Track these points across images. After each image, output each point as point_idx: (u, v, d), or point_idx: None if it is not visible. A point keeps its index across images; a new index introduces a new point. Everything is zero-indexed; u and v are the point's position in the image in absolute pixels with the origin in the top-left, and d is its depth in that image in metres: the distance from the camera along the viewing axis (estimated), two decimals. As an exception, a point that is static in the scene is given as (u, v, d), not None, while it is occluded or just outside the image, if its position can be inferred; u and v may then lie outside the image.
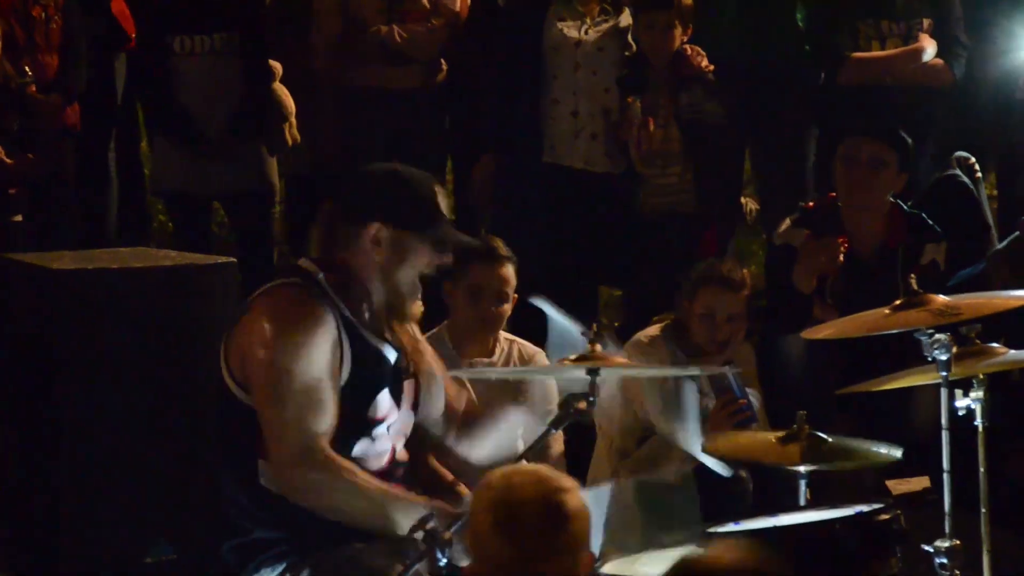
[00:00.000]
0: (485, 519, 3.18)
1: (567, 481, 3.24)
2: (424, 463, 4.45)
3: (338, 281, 4.21)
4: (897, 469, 5.58)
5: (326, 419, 4.11)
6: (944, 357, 4.28)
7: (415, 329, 4.40)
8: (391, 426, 4.27)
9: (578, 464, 5.48)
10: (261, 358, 4.12)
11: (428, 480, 4.41)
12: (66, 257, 5.32)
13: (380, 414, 4.23)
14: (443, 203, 4.32)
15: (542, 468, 3.42)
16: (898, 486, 5.70)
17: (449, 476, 4.47)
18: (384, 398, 4.24)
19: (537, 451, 4.11)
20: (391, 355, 4.26)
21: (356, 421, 4.18)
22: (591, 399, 3.97)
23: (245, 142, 7.18)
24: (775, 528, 4.12)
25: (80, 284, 5.03)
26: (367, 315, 4.25)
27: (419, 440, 4.41)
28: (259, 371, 4.13)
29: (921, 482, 5.35)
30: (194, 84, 7.12)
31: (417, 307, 4.31)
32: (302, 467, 4.08)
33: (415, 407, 4.36)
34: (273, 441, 4.11)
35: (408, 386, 4.32)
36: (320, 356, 4.11)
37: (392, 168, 4.37)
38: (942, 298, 4.39)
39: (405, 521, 4.00)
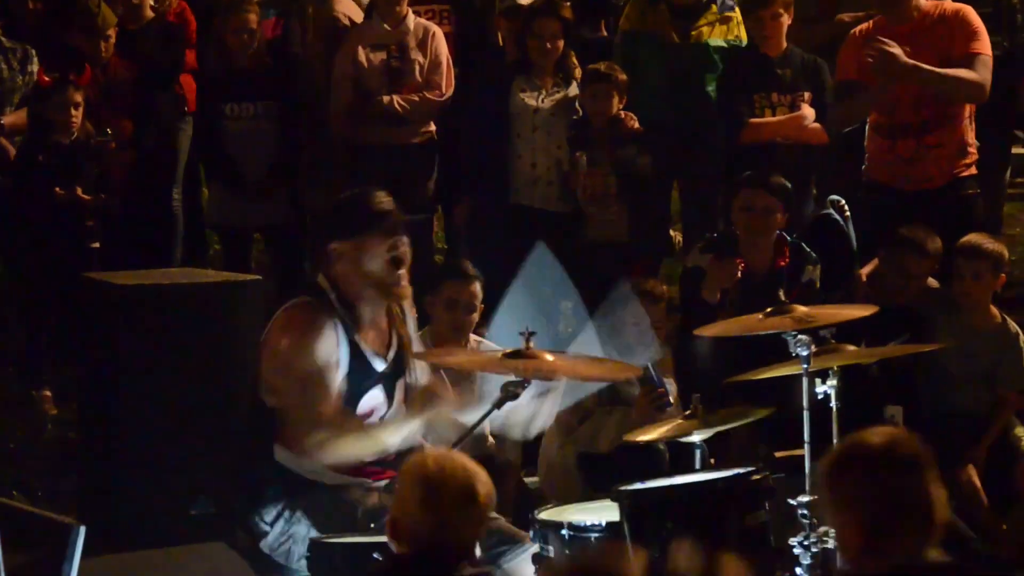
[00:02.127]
0: (413, 494, 3.20)
1: (477, 468, 3.27)
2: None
3: (341, 297, 4.22)
4: (784, 442, 5.65)
5: (328, 398, 4.12)
6: (804, 353, 4.34)
7: (406, 308, 4.36)
8: (382, 418, 4.26)
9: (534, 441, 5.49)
10: (280, 365, 4.16)
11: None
12: (128, 275, 5.36)
13: (366, 410, 4.22)
14: (382, 200, 4.20)
15: (458, 455, 3.41)
16: (783, 455, 5.73)
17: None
18: (371, 397, 4.22)
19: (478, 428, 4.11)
20: (379, 365, 4.24)
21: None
22: (525, 384, 3.96)
23: (279, 186, 7.21)
24: (671, 485, 4.15)
25: (138, 296, 5.07)
26: (365, 326, 4.23)
27: None
28: (278, 377, 4.17)
29: (800, 452, 5.39)
30: (240, 141, 7.14)
31: (405, 290, 4.24)
32: (311, 431, 4.09)
33: (406, 395, 4.33)
34: (290, 422, 4.14)
35: (400, 383, 4.31)
36: (318, 354, 4.12)
37: (338, 199, 4.38)
38: (802, 308, 4.43)
39: (397, 435, 4.08)
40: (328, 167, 7.25)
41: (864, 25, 6.46)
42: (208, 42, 7.40)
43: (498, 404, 3.96)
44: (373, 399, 4.25)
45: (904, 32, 6.22)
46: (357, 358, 4.19)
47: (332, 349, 4.15)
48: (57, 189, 6.69)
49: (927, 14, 6.29)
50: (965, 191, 6.35)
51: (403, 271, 4.20)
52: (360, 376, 4.20)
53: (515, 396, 3.92)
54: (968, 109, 6.36)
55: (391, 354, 4.29)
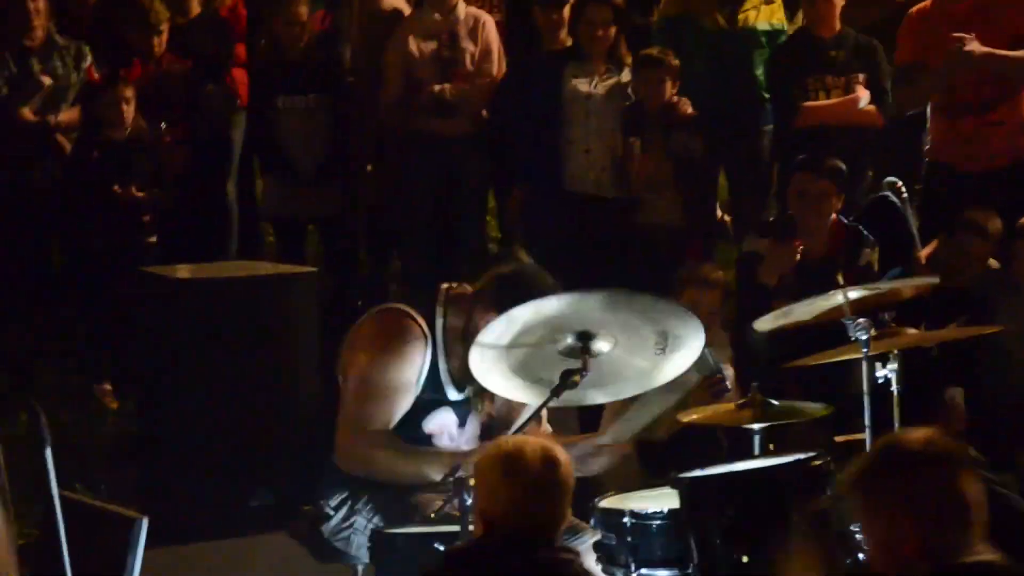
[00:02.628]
0: (494, 470, 3.20)
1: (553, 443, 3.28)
2: None
3: (451, 323, 4.11)
4: (846, 426, 5.60)
5: (389, 417, 4.07)
6: (864, 337, 4.29)
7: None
8: (453, 438, 4.19)
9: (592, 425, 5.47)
10: (355, 366, 4.11)
11: None
12: (184, 269, 5.39)
13: (435, 428, 4.17)
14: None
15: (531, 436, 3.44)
16: (844, 440, 5.68)
17: None
18: (440, 419, 4.16)
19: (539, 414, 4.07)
20: (453, 395, 4.16)
21: (412, 431, 4.13)
22: (584, 372, 3.89)
23: (332, 178, 7.21)
24: (731, 472, 4.10)
25: (194, 289, 5.11)
26: (454, 360, 4.11)
27: None
28: (353, 370, 4.12)
29: (861, 436, 5.34)
30: (292, 133, 7.14)
31: None
32: (357, 443, 4.06)
33: (480, 438, 4.23)
34: (342, 425, 4.10)
35: (475, 420, 4.22)
36: (401, 374, 4.07)
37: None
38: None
39: (438, 473, 4.02)
40: (379, 158, 7.26)
41: (922, 4, 6.38)
42: (259, 35, 7.40)
43: (556, 392, 3.91)
44: (442, 422, 4.19)
45: (963, 10, 6.14)
46: (434, 381, 4.13)
47: (413, 371, 4.09)
48: (115, 188, 6.71)
49: None
50: None
51: None
52: (432, 399, 4.15)
53: (574, 384, 3.88)
54: None
55: (469, 387, 4.18)
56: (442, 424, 4.18)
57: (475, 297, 4.15)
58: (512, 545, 3.14)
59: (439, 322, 4.12)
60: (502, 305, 3.95)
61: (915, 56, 6.23)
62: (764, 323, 4.63)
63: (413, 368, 4.08)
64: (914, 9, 6.40)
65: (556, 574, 3.17)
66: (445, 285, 4.20)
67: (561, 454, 3.22)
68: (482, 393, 4.16)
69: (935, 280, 4.47)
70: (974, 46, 5.94)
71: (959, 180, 6.21)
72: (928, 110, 6.38)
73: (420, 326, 4.10)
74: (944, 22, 6.15)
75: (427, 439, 4.18)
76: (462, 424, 4.22)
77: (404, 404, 4.09)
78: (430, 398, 4.14)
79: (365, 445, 4.07)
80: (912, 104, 6.45)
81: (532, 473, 3.16)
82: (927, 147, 6.22)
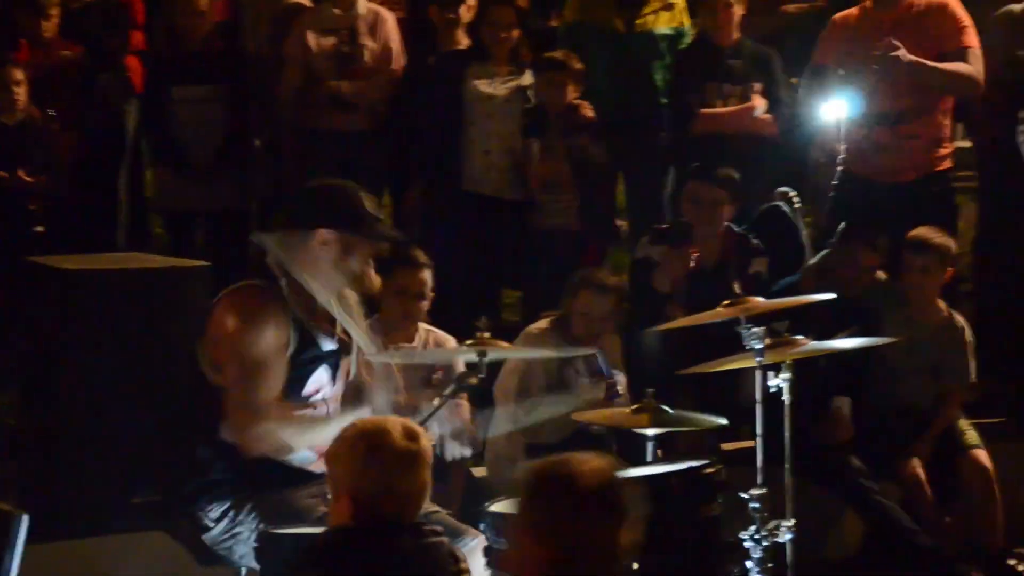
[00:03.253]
0: (358, 446, 3.23)
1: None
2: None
3: (291, 283, 4.15)
4: (732, 434, 5.63)
5: (273, 387, 4.07)
6: (759, 346, 4.31)
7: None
8: (325, 396, 4.22)
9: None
10: (223, 345, 4.09)
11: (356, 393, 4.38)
12: (73, 260, 5.26)
13: (311, 390, 4.18)
14: (369, 205, 4.22)
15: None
16: (729, 445, 5.72)
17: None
18: (317, 377, 4.19)
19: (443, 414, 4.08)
20: (328, 345, 4.20)
21: (292, 397, 4.14)
22: (480, 375, 3.94)
23: (226, 171, 7.09)
24: (625, 478, 4.09)
25: (82, 281, 4.98)
26: (314, 309, 4.17)
27: None
28: (224, 355, 4.09)
29: (748, 443, 5.37)
30: (187, 124, 7.02)
31: (376, 280, 4.26)
32: (255, 421, 4.03)
33: (348, 374, 4.31)
34: (232, 409, 4.07)
35: (345, 362, 4.28)
36: (267, 340, 4.07)
37: (326, 184, 4.30)
38: (758, 300, 4.41)
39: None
40: (275, 152, 7.17)
41: (848, 12, 6.39)
42: (158, 23, 7.27)
43: (452, 395, 3.89)
44: (318, 380, 4.20)
45: (889, 20, 6.19)
46: (305, 339, 4.14)
47: (280, 336, 4.09)
48: (2, 173, 6.56)
49: (913, 4, 6.24)
50: (940, 186, 6.31)
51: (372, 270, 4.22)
52: (308, 356, 4.15)
53: (470, 387, 3.87)
54: (947, 102, 6.32)
55: (337, 332, 4.24)
56: (318, 382, 4.19)
57: (287, 233, 4.18)
58: (382, 530, 3.13)
59: (282, 282, 4.13)
60: (308, 222, 4.09)
61: (832, 61, 6.26)
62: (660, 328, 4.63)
63: (280, 331, 4.08)
64: (839, 15, 6.42)
65: (427, 558, 3.13)
66: (269, 257, 4.21)
67: (423, 437, 3.29)
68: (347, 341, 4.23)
69: (830, 296, 4.50)
70: (902, 53, 6.00)
71: (869, 190, 6.25)
72: (842, 120, 6.42)
73: (271, 290, 4.12)
74: (870, 30, 6.17)
75: (305, 403, 4.17)
76: (333, 382, 4.23)
77: (280, 370, 4.09)
78: (308, 359, 4.14)
79: (259, 419, 4.03)
80: (813, 100, 6.41)
81: (396, 448, 3.20)
82: (841, 156, 6.26)
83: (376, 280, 4.26)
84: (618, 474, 3.00)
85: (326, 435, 4.00)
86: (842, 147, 6.21)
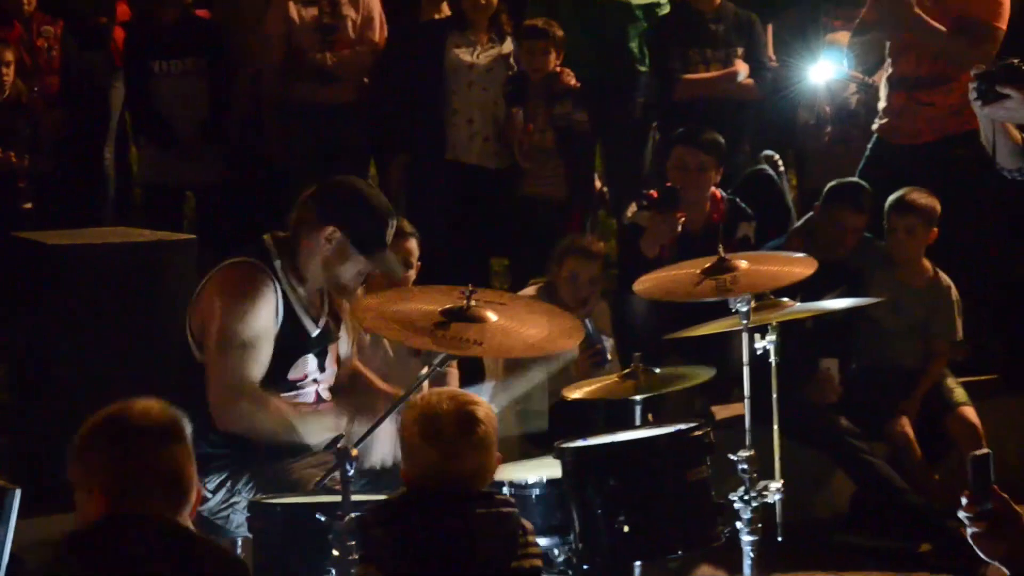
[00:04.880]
0: (412, 431, 3.17)
1: (474, 396, 3.25)
2: (352, 370, 4.39)
3: (286, 264, 4.14)
4: (724, 397, 5.64)
5: (258, 367, 4.05)
6: (744, 309, 4.31)
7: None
8: (315, 380, 4.20)
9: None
10: (213, 321, 4.06)
11: (351, 381, 4.36)
12: (61, 235, 5.24)
13: (298, 375, 4.16)
14: (390, 234, 4.19)
15: (453, 389, 3.39)
16: (721, 411, 5.74)
17: (372, 378, 4.40)
18: (304, 362, 4.16)
19: (434, 381, 4.04)
20: (314, 330, 4.18)
21: (277, 380, 4.12)
22: (452, 357, 3.85)
23: (209, 144, 7.07)
24: (613, 442, 4.09)
25: (70, 256, 4.97)
26: (302, 294, 4.16)
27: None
28: (210, 330, 4.07)
29: (739, 408, 5.39)
30: (169, 98, 7.00)
31: (356, 296, 4.23)
32: (234, 400, 4.02)
33: (338, 362, 4.29)
34: (214, 383, 4.04)
35: (332, 348, 4.25)
36: (258, 320, 4.05)
37: (360, 188, 4.24)
38: (743, 263, 4.39)
39: (317, 432, 4.01)
40: (258, 125, 7.14)
41: None
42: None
43: (441, 363, 3.87)
44: (305, 365, 4.18)
45: None
46: (291, 321, 4.12)
47: (269, 316, 4.07)
48: (-5, 149, 6.56)
49: None
50: (965, 148, 6.25)
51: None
52: (293, 339, 4.13)
53: (448, 361, 3.86)
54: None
55: (323, 318, 4.22)
56: (305, 370, 4.17)
57: (298, 223, 4.16)
58: (440, 502, 3.10)
59: (276, 263, 4.11)
60: (326, 215, 4.07)
61: (872, 17, 6.17)
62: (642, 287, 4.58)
63: (268, 310, 4.06)
64: None
65: (495, 531, 3.12)
66: (267, 236, 4.19)
67: (481, 408, 3.19)
68: (335, 326, 4.22)
69: (812, 261, 4.49)
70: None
71: (892, 152, 6.21)
72: (829, 81, 6.36)
73: (265, 270, 4.09)
74: None
75: (291, 387, 4.14)
76: (322, 369, 4.20)
77: (267, 350, 4.06)
78: (293, 343, 4.12)
79: (239, 398, 4.02)
80: (865, 55, 6.33)
81: (448, 436, 3.13)
82: (877, 119, 6.22)
83: (358, 295, 4.24)
84: (477, 411, 3.13)
85: (308, 432, 4.03)
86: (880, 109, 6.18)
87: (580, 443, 4.02)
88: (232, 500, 4.10)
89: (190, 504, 2.84)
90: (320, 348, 4.20)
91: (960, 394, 5.87)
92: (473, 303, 3.84)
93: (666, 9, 7.01)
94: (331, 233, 4.11)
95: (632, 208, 6.05)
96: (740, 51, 6.72)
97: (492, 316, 3.84)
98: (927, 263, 5.99)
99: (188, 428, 2.87)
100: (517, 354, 4.12)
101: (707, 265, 4.37)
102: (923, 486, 5.69)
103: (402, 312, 3.87)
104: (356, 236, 4.12)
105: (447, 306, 3.83)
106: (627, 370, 4.50)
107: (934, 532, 5.52)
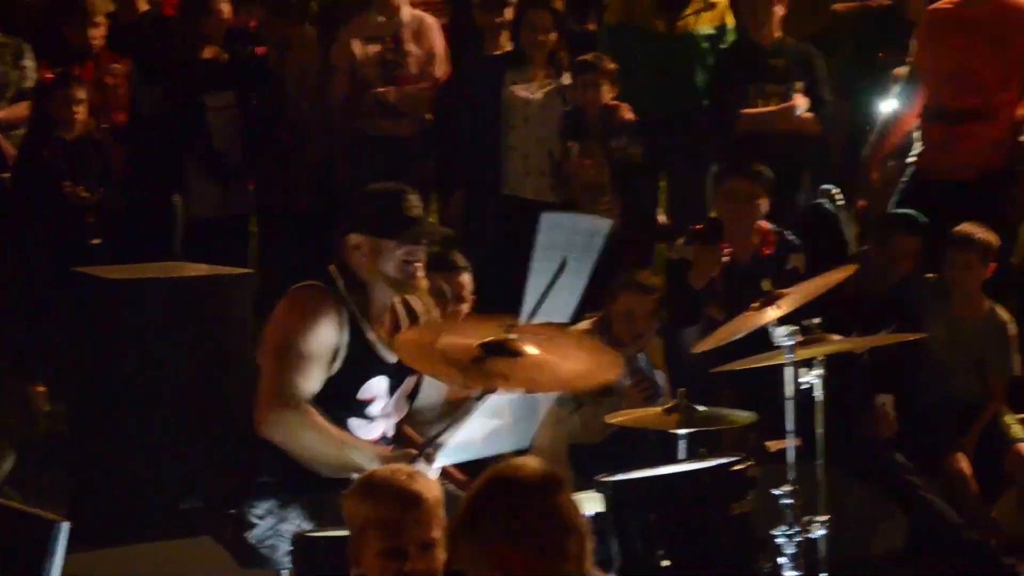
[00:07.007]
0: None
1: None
2: (400, 429, 4.41)
3: (352, 289, 4.17)
4: (778, 432, 5.62)
5: (309, 383, 4.06)
6: (789, 343, 4.32)
7: (425, 301, 4.32)
8: (383, 408, 4.21)
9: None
10: (272, 332, 4.12)
11: (397, 441, 4.36)
12: (121, 270, 5.35)
13: (368, 395, 4.17)
14: (413, 206, 4.17)
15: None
16: (774, 445, 5.72)
17: (417, 438, 4.41)
18: (374, 385, 4.17)
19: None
20: (391, 357, 4.18)
21: (347, 400, 4.14)
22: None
23: (244, 176, 7.17)
24: (653, 476, 4.11)
25: (127, 291, 5.07)
26: (375, 315, 4.17)
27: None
28: (268, 340, 4.12)
29: (792, 442, 5.36)
30: (220, 131, 7.11)
31: (421, 283, 4.21)
32: (280, 407, 4.03)
33: (412, 397, 4.30)
34: (263, 387, 4.07)
35: (408, 381, 4.27)
36: (316, 336, 4.07)
37: (367, 189, 4.30)
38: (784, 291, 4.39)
39: (360, 462, 4.00)
40: (325, 156, 7.22)
41: (941, 3, 6.27)
42: (178, 30, 7.35)
43: (477, 401, 3.91)
44: (377, 386, 4.19)
45: (973, 18, 6.04)
46: (361, 347, 4.14)
47: (331, 338, 4.09)
48: (67, 184, 6.66)
49: (1006, 4, 6.08)
50: (997, 186, 6.16)
51: (419, 268, 4.18)
52: (363, 358, 4.15)
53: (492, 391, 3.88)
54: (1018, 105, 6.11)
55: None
56: (375, 390, 4.18)
57: (337, 249, 4.18)
58: None
59: (340, 283, 4.14)
60: (344, 227, 4.11)
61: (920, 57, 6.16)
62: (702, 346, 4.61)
63: (327, 335, 4.08)
64: (933, 7, 6.29)
65: None
66: (331, 266, 4.21)
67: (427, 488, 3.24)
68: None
69: (851, 269, 4.48)
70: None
71: (928, 188, 6.19)
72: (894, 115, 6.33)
73: (332, 296, 4.12)
74: (954, 25, 6.06)
75: (361, 406, 4.16)
76: (393, 392, 4.21)
77: (319, 373, 4.08)
78: (365, 367, 4.14)
79: (284, 407, 4.03)
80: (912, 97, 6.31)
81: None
82: (912, 153, 6.20)
83: (423, 282, 4.22)
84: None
85: (355, 458, 4.02)
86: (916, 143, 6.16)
87: (620, 477, 4.05)
88: (279, 528, 4.13)
89: None
90: (397, 376, 4.21)
91: (1018, 430, 5.81)
92: (513, 336, 3.81)
93: (731, 37, 7.02)
94: (355, 240, 4.15)
95: (679, 242, 6.08)
96: (800, 85, 6.71)
97: (532, 350, 3.82)
98: (984, 298, 5.95)
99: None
100: (544, 390, 4.08)
101: (756, 304, 4.38)
102: (980, 523, 5.63)
103: (442, 345, 3.89)
104: (374, 227, 4.13)
105: (487, 339, 3.82)
106: (670, 404, 4.52)
107: (991, 569, 5.46)
